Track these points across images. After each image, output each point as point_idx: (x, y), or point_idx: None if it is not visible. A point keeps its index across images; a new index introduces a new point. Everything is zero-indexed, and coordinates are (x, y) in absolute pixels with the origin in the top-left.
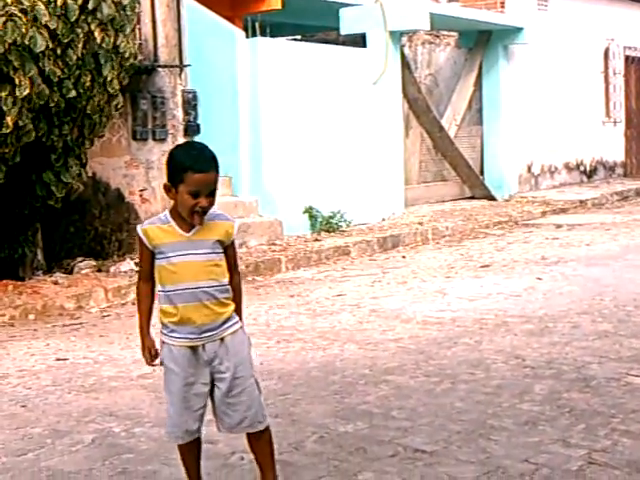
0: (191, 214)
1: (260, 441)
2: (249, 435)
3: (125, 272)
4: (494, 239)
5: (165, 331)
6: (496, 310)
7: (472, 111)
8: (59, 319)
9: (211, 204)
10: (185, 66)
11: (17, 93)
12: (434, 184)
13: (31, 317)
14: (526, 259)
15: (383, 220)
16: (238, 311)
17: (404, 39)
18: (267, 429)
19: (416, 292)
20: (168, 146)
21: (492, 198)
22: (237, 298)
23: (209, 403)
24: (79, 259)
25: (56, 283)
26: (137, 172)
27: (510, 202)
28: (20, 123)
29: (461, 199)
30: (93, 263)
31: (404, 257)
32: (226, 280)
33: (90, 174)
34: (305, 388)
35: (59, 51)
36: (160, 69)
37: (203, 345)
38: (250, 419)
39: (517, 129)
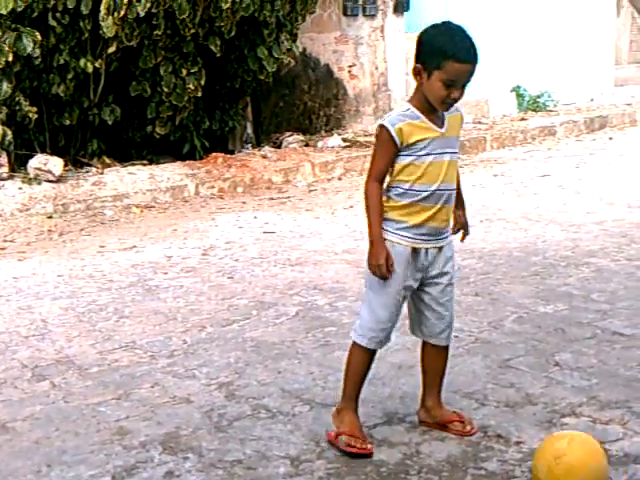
0: (440, 103)
1: (442, 357)
2: (431, 349)
3: (332, 147)
4: None
5: (391, 228)
6: None
7: None
8: (267, 192)
9: (462, 96)
10: None
11: None
12: None
13: (239, 190)
14: None
15: (591, 100)
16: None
17: None
18: (449, 348)
19: (622, 175)
20: (378, 22)
21: None
22: (462, 203)
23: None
24: (287, 133)
25: (264, 157)
26: (346, 48)
27: None
28: None
29: None
30: (301, 138)
31: (611, 139)
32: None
33: (300, 49)
34: (506, 268)
35: None
36: None
37: (426, 249)
38: (449, 330)
39: None
